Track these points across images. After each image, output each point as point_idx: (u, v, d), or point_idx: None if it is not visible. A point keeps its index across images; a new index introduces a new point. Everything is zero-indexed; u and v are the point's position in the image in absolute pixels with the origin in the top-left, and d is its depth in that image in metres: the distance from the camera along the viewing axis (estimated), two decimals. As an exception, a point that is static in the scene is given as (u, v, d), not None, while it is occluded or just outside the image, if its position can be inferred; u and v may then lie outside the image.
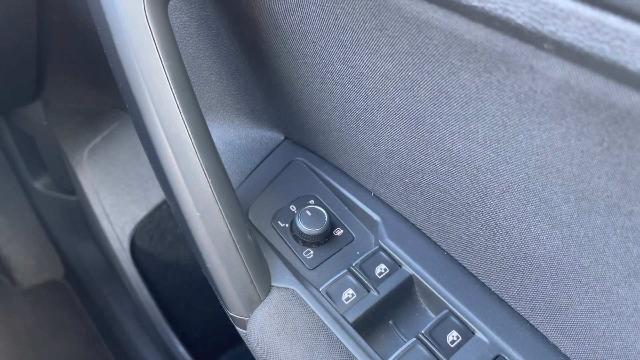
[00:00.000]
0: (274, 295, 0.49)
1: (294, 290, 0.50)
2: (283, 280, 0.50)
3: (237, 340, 1.15)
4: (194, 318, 1.07)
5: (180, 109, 0.43)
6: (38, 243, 1.41)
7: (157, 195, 0.96)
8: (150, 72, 0.43)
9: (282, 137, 0.64)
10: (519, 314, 0.47)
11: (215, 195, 0.45)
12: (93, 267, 1.28)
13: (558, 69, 0.28)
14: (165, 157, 0.44)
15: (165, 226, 0.99)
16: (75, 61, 0.87)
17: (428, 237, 0.52)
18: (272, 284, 0.50)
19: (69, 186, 1.21)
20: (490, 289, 0.48)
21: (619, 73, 0.25)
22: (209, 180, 0.45)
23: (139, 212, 0.95)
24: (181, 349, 0.97)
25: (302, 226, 0.53)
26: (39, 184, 1.30)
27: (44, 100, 1.07)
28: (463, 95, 0.37)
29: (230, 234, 0.46)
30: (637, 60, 0.23)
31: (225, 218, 0.46)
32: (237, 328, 0.51)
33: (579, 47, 0.25)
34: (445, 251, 0.51)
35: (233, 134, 0.64)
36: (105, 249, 1.02)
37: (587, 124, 0.29)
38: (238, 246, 0.47)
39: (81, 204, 1.11)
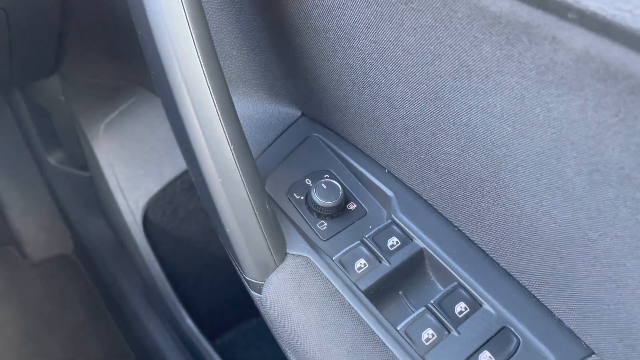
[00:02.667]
0: (289, 261, 0.51)
1: (308, 258, 0.51)
2: (298, 248, 0.52)
3: (244, 317, 1.17)
4: (202, 294, 1.09)
5: (207, 77, 0.45)
6: (49, 217, 1.43)
7: (171, 171, 0.98)
8: (179, 39, 0.44)
9: (300, 114, 0.65)
10: (526, 288, 0.48)
11: (237, 163, 0.47)
12: (102, 243, 1.30)
13: (580, 39, 0.29)
14: (190, 122, 0.46)
15: (178, 202, 1.01)
16: (96, 35, 0.89)
17: (440, 212, 0.53)
18: (288, 251, 0.52)
19: (82, 162, 1.23)
20: (499, 264, 0.50)
21: (638, 42, 0.26)
22: (231, 148, 0.47)
23: (153, 186, 0.97)
24: (189, 321, 0.99)
25: (317, 198, 0.54)
26: (52, 159, 1.32)
27: (61, 75, 1.09)
28: (484, 68, 0.38)
29: (250, 201, 0.48)
30: (657, 28, 0.24)
31: (245, 185, 0.48)
32: (252, 292, 0.53)
33: (602, 16, 0.26)
34: (456, 227, 0.52)
35: (251, 108, 0.66)
36: (117, 223, 1.04)
37: (604, 95, 0.31)
38: (257, 213, 0.48)
39: (94, 178, 1.13)
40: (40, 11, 0.83)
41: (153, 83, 0.50)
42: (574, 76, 0.31)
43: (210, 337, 1.06)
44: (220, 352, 1.03)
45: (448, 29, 0.38)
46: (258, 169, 0.61)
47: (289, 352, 0.51)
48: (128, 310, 1.22)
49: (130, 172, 0.98)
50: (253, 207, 0.48)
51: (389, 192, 0.55)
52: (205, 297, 1.10)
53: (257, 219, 0.48)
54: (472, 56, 0.38)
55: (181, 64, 0.44)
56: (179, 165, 0.98)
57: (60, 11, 0.85)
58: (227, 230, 0.49)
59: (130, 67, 0.93)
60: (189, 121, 0.46)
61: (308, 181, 0.58)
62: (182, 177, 0.99)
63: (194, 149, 0.47)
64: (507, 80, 0.37)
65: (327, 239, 0.54)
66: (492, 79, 0.38)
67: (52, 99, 1.15)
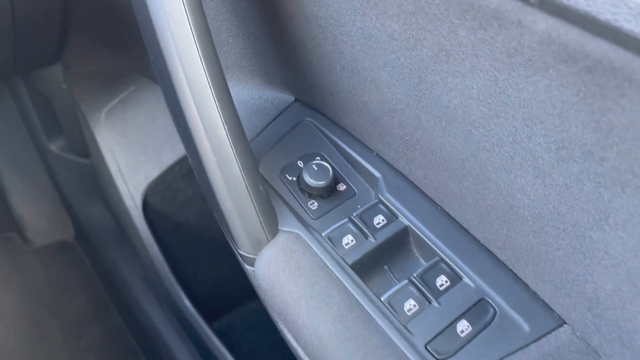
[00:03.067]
0: (281, 237, 0.54)
1: (298, 234, 0.54)
2: (289, 225, 0.55)
3: (243, 301, 1.20)
4: (201, 278, 1.12)
5: (202, 59, 0.47)
6: (50, 204, 1.46)
7: (170, 157, 1.01)
8: (177, 25, 0.47)
9: (293, 99, 0.68)
10: (504, 262, 0.51)
11: (231, 142, 0.50)
12: (103, 230, 1.33)
13: (541, 23, 0.32)
14: (187, 104, 0.48)
15: (177, 187, 1.04)
16: (97, 23, 0.91)
17: (424, 192, 0.56)
18: (279, 227, 0.55)
19: (83, 149, 1.25)
20: (479, 240, 0.52)
21: (592, 24, 0.28)
22: (226, 128, 0.49)
23: (152, 171, 1.00)
24: (188, 304, 1.02)
25: (308, 179, 0.57)
26: (54, 146, 1.34)
27: (63, 63, 1.11)
28: (460, 52, 0.41)
29: (243, 179, 0.51)
30: (606, 11, 0.27)
31: (239, 164, 0.50)
32: (245, 266, 0.56)
33: (559, 1, 0.29)
34: (439, 205, 0.55)
35: (247, 94, 0.68)
36: (117, 208, 1.07)
37: (566, 75, 0.33)
38: (250, 190, 0.51)
39: (95, 164, 1.15)
40: (43, 0, 0.85)
41: (152, 69, 0.53)
42: (539, 58, 0.34)
43: (209, 320, 1.09)
44: (218, 335, 1.06)
45: (428, 15, 0.41)
46: (252, 151, 0.64)
47: (279, 322, 0.54)
48: (128, 294, 1.25)
49: (131, 158, 1.00)
50: (246, 185, 0.51)
51: (377, 174, 0.58)
52: (204, 281, 1.13)
53: (250, 196, 0.51)
54: (450, 40, 0.41)
55: (179, 48, 0.47)
56: (178, 151, 1.01)
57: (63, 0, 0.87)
58: (222, 206, 0.52)
59: (131, 55, 0.95)
60: (186, 103, 0.49)
61: (300, 163, 0.61)
62: (181, 162, 1.02)
63: (191, 129, 0.49)
64: (482, 63, 0.40)
65: (318, 218, 0.57)
66: (468, 61, 0.40)
67: (54, 87, 1.17)
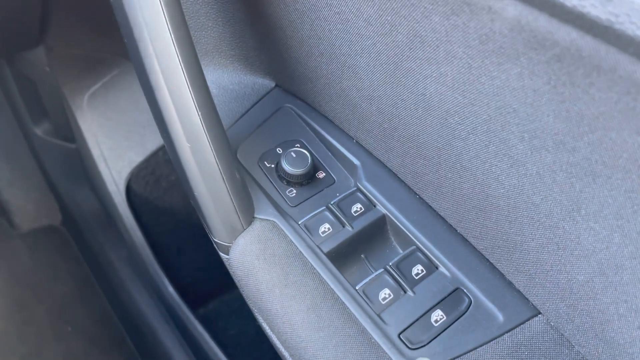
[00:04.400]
0: (256, 225, 0.53)
1: (275, 222, 0.53)
2: (265, 212, 0.54)
3: (227, 287, 1.20)
4: (185, 263, 1.12)
5: (175, 43, 0.46)
6: (37, 188, 1.45)
7: (154, 142, 1.00)
8: (147, 6, 0.45)
9: (273, 85, 0.67)
10: (480, 252, 0.51)
11: (205, 128, 0.49)
12: (90, 215, 1.32)
13: (511, 9, 0.31)
14: (159, 88, 0.47)
15: (160, 172, 1.03)
16: (79, 5, 0.90)
17: (402, 181, 0.55)
18: (255, 215, 0.54)
19: (69, 133, 1.24)
20: (456, 229, 0.52)
21: (559, 10, 0.28)
22: (199, 113, 0.48)
23: (136, 157, 0.99)
24: (171, 289, 1.02)
25: (286, 166, 0.56)
26: (39, 130, 1.33)
27: (47, 46, 1.09)
28: (435, 38, 0.40)
29: (217, 165, 0.50)
30: (573, -3, 0.26)
31: (213, 150, 0.49)
32: (220, 254, 0.55)
33: (527, -14, 0.28)
34: (417, 194, 0.54)
35: (226, 79, 0.67)
36: (102, 193, 1.06)
37: (537, 62, 0.33)
38: (224, 177, 0.50)
39: (80, 149, 1.14)
40: None
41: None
42: (510, 45, 0.33)
43: (193, 306, 1.08)
44: (202, 321, 1.06)
45: (402, 0, 0.40)
46: (231, 137, 0.63)
47: (255, 310, 0.53)
48: (115, 279, 1.25)
49: (114, 143, 0.99)
50: (220, 172, 0.50)
51: (356, 161, 0.57)
52: (188, 267, 1.13)
53: (225, 183, 0.51)
54: (424, 26, 0.40)
55: (150, 30, 0.46)
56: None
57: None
58: (196, 193, 0.51)
59: (113, 38, 0.94)
60: (159, 88, 0.47)
61: (279, 150, 0.60)
62: (165, 148, 1.01)
63: (164, 114, 0.48)
64: (455, 50, 0.39)
65: (295, 206, 0.56)
66: (442, 48, 0.40)
67: (38, 70, 1.15)
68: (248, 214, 0.53)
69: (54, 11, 0.95)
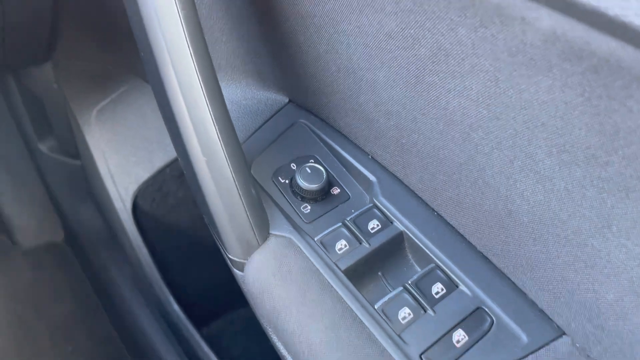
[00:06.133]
0: (272, 241, 0.52)
1: (290, 239, 0.52)
2: (281, 228, 0.53)
3: (233, 306, 1.18)
4: (190, 282, 1.10)
5: (193, 57, 0.46)
6: (40, 205, 1.44)
7: (161, 159, 0.99)
8: (166, 19, 0.45)
9: (287, 100, 0.66)
10: (501, 270, 0.49)
11: (222, 143, 0.48)
12: (93, 232, 1.31)
13: (546, 19, 0.30)
14: (177, 102, 0.47)
15: (167, 189, 1.02)
16: (89, 21, 0.90)
17: (420, 197, 0.54)
18: (270, 231, 0.53)
19: (73, 150, 1.23)
20: (476, 247, 0.51)
21: (599, 19, 0.27)
22: (216, 128, 0.48)
23: (143, 173, 0.98)
24: (176, 308, 1.00)
25: (301, 182, 0.55)
26: (44, 146, 1.32)
27: (54, 61, 1.09)
28: (460, 51, 0.39)
29: (234, 181, 0.49)
30: (615, 5, 0.26)
31: (229, 165, 0.49)
32: (235, 271, 0.54)
33: (565, -5, 0.28)
34: (435, 210, 0.53)
35: (239, 94, 0.67)
36: (107, 210, 1.05)
37: (570, 74, 0.32)
38: (240, 192, 0.49)
39: (85, 165, 1.13)
40: None
41: (143, 67, 0.51)
42: (542, 57, 0.33)
43: (199, 325, 1.06)
44: (207, 341, 1.04)
45: (426, 12, 0.39)
46: (245, 152, 0.62)
47: (269, 330, 0.52)
48: (117, 297, 1.23)
49: (121, 159, 0.98)
50: (237, 187, 0.49)
51: (372, 177, 0.56)
52: (193, 286, 1.11)
53: (241, 198, 0.50)
54: (449, 39, 0.39)
55: (169, 44, 0.45)
56: (170, 153, 0.99)
57: (54, -3, 0.85)
58: (212, 209, 0.50)
59: (122, 54, 0.94)
60: (176, 101, 0.47)
61: (293, 165, 0.60)
62: (172, 165, 1.00)
63: (180, 128, 0.48)
64: (482, 63, 0.38)
65: (310, 222, 0.55)
66: (467, 61, 0.39)
67: (45, 85, 1.15)
68: (263, 230, 0.52)
69: (64, 26, 0.95)
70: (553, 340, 0.46)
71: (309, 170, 0.56)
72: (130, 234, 0.99)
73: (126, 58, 0.95)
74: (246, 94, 0.67)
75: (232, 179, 0.49)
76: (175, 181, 1.01)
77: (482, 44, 0.37)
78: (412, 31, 0.42)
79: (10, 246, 1.45)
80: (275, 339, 0.51)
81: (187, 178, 0.54)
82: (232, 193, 0.49)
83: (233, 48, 0.64)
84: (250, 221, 0.51)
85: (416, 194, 0.55)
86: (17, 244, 1.44)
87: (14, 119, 1.38)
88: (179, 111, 0.47)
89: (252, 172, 0.60)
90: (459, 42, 0.38)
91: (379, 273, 0.52)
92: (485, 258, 0.50)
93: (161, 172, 0.99)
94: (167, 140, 0.97)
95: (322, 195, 0.57)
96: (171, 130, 0.50)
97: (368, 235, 0.53)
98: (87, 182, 1.25)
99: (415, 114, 0.48)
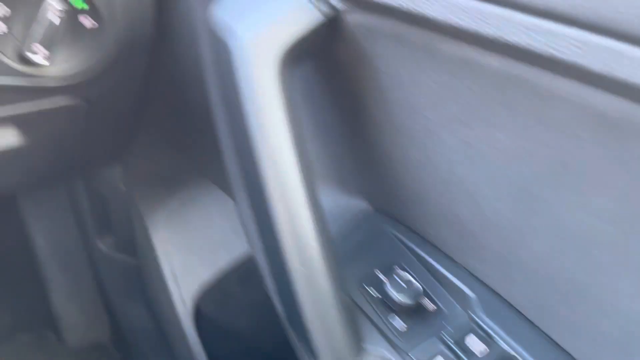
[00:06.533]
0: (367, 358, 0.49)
1: (384, 354, 0.49)
2: (374, 342, 0.50)
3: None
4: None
5: (300, 168, 0.46)
6: (91, 303, 1.43)
7: (226, 261, 0.98)
8: (275, 130, 0.46)
9: (370, 207, 0.66)
10: None
11: (322, 257, 0.47)
12: (141, 334, 1.28)
13: None
14: (277, 214, 0.47)
15: (232, 294, 1.00)
16: (166, 125, 0.93)
17: (525, 316, 0.51)
18: (363, 344, 0.50)
19: (131, 249, 1.24)
20: (594, 375, 0.46)
21: None
22: (319, 242, 0.47)
23: (207, 276, 0.97)
24: None
25: (394, 294, 0.53)
26: (102, 244, 1.33)
27: (124, 163, 1.13)
28: (585, 167, 0.38)
29: (331, 289, 0.47)
30: None
31: (328, 275, 0.47)
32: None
33: None
34: (545, 332, 0.50)
35: (321, 199, 0.66)
36: (165, 312, 1.03)
37: None
38: (336, 302, 0.47)
39: (145, 265, 1.13)
40: (119, 102, 0.88)
41: (225, 173, 0.52)
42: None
43: None
44: None
45: (547, 127, 0.39)
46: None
47: None
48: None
49: (186, 262, 0.98)
50: (334, 297, 0.47)
51: (470, 293, 0.53)
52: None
53: (337, 310, 0.47)
54: (574, 155, 0.38)
55: (274, 151, 0.46)
56: (235, 256, 0.98)
57: (137, 103, 0.90)
58: (306, 320, 0.48)
59: (195, 158, 0.96)
60: (276, 213, 0.47)
61: (381, 275, 0.57)
62: (239, 268, 0.99)
63: (280, 240, 0.47)
64: (612, 180, 0.37)
65: (403, 336, 0.52)
66: (594, 177, 0.38)
67: (112, 186, 1.18)
68: (356, 344, 0.49)
69: (139, 131, 0.99)
70: None
71: (401, 283, 0.54)
72: (190, 339, 0.96)
73: (198, 161, 0.98)
74: (327, 200, 0.67)
75: (329, 288, 0.47)
76: (241, 286, 1.00)
77: (615, 161, 0.36)
78: (526, 144, 0.41)
79: (56, 344, 1.43)
80: None
81: (273, 288, 0.52)
82: (328, 304, 0.47)
83: (315, 154, 0.65)
84: (345, 337, 0.48)
85: (520, 312, 0.51)
86: (63, 342, 1.42)
87: (74, 216, 1.41)
88: (279, 222, 0.47)
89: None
90: (586, 158, 0.37)
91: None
92: (607, 388, 0.46)
93: (227, 275, 0.97)
94: (234, 244, 0.97)
95: (416, 309, 0.54)
96: (267, 243, 0.49)
97: (471, 355, 0.49)
98: (142, 282, 1.24)
99: (524, 228, 0.46)
